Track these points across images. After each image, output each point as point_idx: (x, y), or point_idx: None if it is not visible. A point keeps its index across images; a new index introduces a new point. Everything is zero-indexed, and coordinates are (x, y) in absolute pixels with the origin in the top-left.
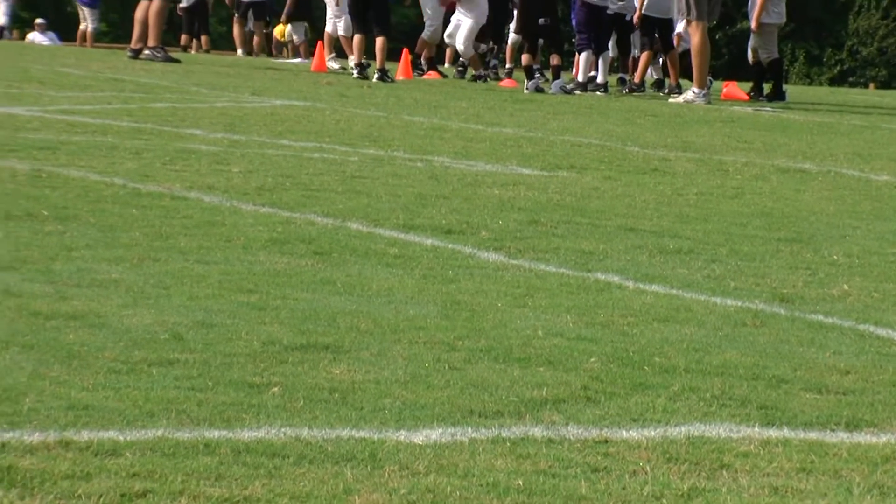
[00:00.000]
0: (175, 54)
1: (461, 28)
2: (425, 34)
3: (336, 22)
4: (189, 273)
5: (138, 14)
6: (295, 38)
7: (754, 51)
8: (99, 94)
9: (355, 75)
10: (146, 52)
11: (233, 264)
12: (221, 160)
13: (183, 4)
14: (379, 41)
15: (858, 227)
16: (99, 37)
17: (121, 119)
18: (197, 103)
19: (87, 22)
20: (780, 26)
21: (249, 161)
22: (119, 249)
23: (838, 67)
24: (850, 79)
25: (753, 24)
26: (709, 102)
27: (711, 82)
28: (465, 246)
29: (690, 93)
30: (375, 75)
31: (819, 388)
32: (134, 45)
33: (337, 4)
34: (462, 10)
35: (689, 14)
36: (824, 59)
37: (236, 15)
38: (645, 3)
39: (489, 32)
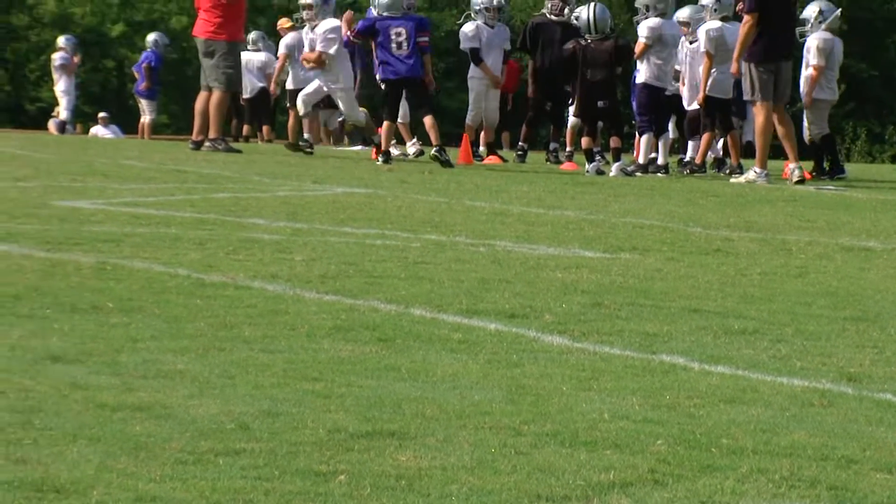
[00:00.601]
0: (237, 145)
1: (340, 103)
2: (467, 119)
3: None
4: (254, 362)
5: (198, 106)
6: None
7: (810, 129)
8: (162, 185)
9: (380, 162)
10: (207, 143)
11: (297, 353)
12: (284, 249)
13: (246, 95)
14: (426, 121)
15: None
16: (160, 128)
17: (184, 210)
18: (259, 192)
19: (146, 114)
20: (833, 103)
21: (312, 249)
22: (184, 340)
23: None
24: None
25: (807, 100)
26: (769, 182)
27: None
28: (529, 330)
29: (752, 172)
30: (433, 151)
31: (889, 468)
32: (195, 136)
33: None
34: (327, 81)
35: (752, 94)
36: (886, 137)
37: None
38: (708, 84)
39: (547, 117)
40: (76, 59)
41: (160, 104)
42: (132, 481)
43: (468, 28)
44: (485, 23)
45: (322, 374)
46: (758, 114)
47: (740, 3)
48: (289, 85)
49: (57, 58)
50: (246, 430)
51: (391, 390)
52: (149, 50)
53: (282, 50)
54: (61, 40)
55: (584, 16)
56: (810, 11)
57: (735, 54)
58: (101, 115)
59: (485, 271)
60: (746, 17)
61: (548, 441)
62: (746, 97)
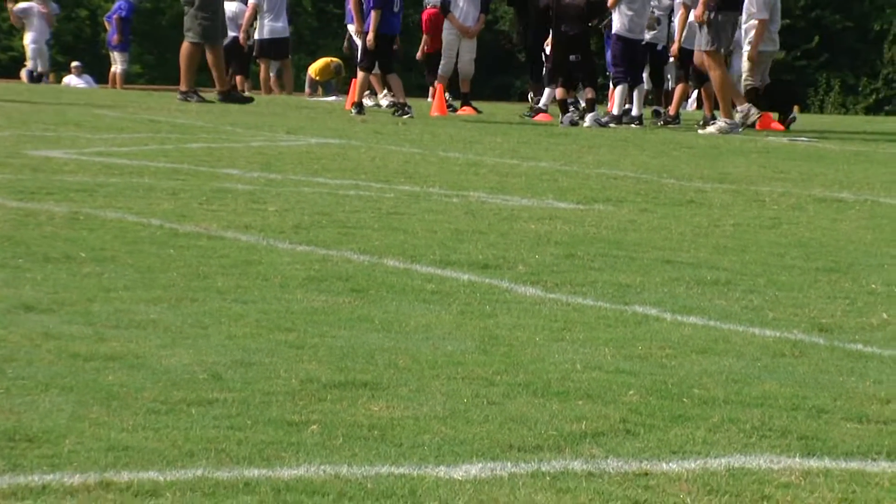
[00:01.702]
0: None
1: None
2: (440, 69)
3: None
4: (227, 312)
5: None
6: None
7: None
8: (135, 135)
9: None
10: (178, 96)
11: (270, 303)
12: (258, 199)
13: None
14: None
15: None
16: (133, 78)
17: (157, 160)
18: (233, 143)
19: (117, 63)
20: (774, 54)
21: (285, 200)
22: (157, 290)
23: (874, 96)
24: (886, 107)
25: (752, 53)
26: (739, 132)
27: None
28: (503, 281)
29: (722, 122)
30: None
31: (860, 418)
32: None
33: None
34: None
35: (712, 44)
36: (860, 89)
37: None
38: (682, 35)
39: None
40: (43, 9)
41: (133, 54)
42: (104, 431)
43: None
44: None
45: (295, 324)
46: (716, 65)
47: None
48: (258, 35)
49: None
50: (218, 380)
51: (364, 341)
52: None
53: (251, 0)
54: None
55: None
56: None
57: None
58: (74, 64)
59: (458, 222)
60: None
61: (520, 391)
62: (704, 47)
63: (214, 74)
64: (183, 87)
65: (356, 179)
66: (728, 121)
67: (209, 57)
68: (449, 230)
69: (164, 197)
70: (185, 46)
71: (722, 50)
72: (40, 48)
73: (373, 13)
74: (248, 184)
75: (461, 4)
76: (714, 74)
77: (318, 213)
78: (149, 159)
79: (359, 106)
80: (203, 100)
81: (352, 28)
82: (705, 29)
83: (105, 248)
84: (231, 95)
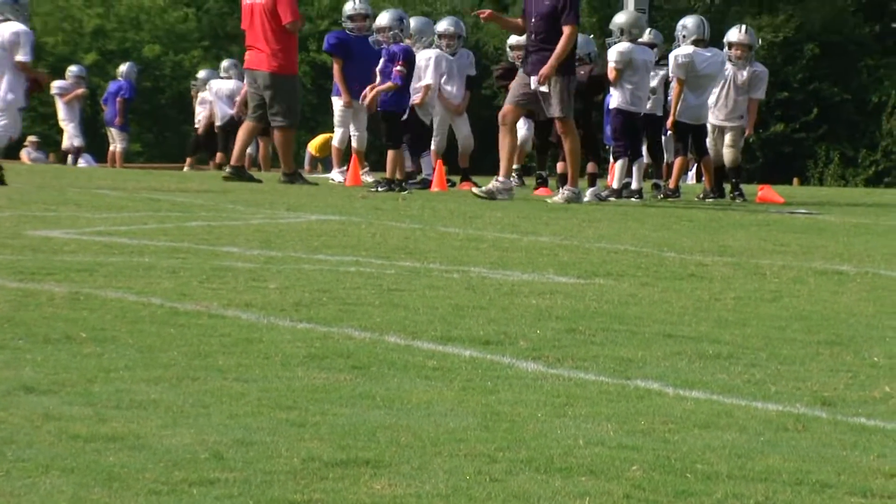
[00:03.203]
0: (211, 173)
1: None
2: (433, 145)
3: (356, 135)
4: (228, 391)
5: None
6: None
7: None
8: (135, 214)
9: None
10: (281, 178)
11: (271, 381)
12: (258, 277)
13: (218, 123)
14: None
15: None
16: (132, 157)
17: (157, 239)
18: (233, 221)
19: (116, 143)
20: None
21: (286, 277)
22: (157, 369)
23: (873, 168)
24: (886, 179)
25: (750, 129)
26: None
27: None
28: (504, 356)
29: (566, 191)
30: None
31: (864, 492)
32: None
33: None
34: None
35: (561, 111)
36: (859, 161)
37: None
38: (678, 108)
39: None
40: (80, 91)
41: (132, 132)
42: None
43: (425, 55)
44: (442, 49)
45: (296, 402)
46: (570, 131)
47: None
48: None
49: (55, 86)
50: (220, 460)
51: (366, 418)
52: (121, 80)
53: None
54: (72, 69)
55: None
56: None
57: (552, 63)
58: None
59: (459, 298)
60: (568, 30)
61: (523, 468)
62: (554, 113)
63: (281, 156)
64: (287, 170)
65: (357, 256)
66: (571, 189)
67: (251, 133)
68: (450, 306)
69: (165, 276)
70: (275, 134)
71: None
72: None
73: (390, 84)
74: (249, 261)
75: (450, 83)
76: (569, 141)
77: (318, 290)
78: (149, 238)
79: (398, 182)
80: (307, 182)
81: (337, 102)
82: (556, 96)
83: (105, 328)
84: (295, 177)
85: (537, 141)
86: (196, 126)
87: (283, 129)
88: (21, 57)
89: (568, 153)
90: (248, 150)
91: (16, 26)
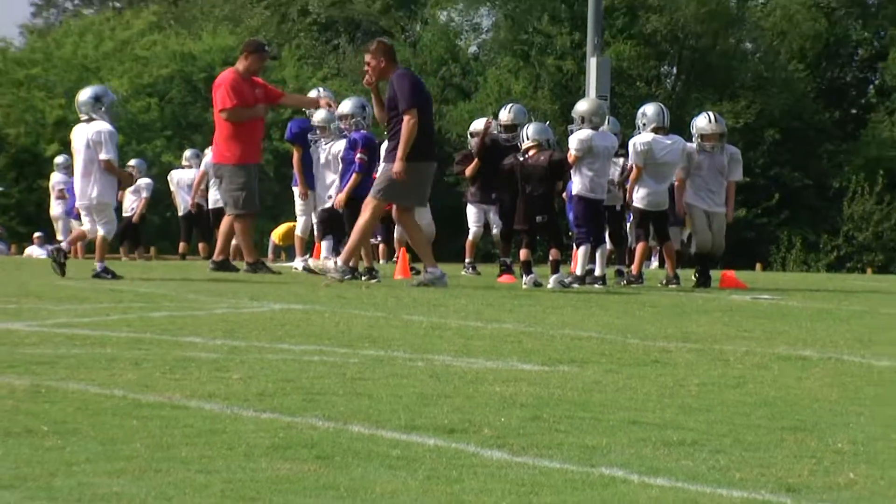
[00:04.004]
0: (174, 262)
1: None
2: (395, 233)
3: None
4: (191, 483)
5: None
6: None
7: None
8: (97, 305)
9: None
10: (245, 268)
11: (235, 472)
12: (221, 367)
13: (180, 213)
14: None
15: (862, 414)
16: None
17: (119, 330)
18: (196, 311)
19: None
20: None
21: (249, 367)
22: (120, 462)
23: (835, 253)
24: (848, 264)
25: (730, 214)
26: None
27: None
28: (469, 445)
29: (332, 263)
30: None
31: None
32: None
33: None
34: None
35: (378, 194)
36: (821, 246)
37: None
38: (639, 195)
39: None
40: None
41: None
42: None
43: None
44: None
45: (260, 493)
46: (367, 209)
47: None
48: (212, 204)
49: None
50: None
51: None
52: None
53: (202, 167)
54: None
55: (522, 132)
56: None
57: (400, 153)
58: (37, 234)
59: (423, 386)
60: (405, 118)
61: None
62: (373, 195)
63: (243, 244)
64: (249, 259)
65: (320, 345)
66: (342, 267)
67: (232, 226)
68: (414, 394)
69: (127, 367)
70: (234, 224)
71: (382, 198)
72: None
73: (355, 176)
74: (212, 351)
75: None
76: (362, 216)
77: (282, 380)
78: (111, 329)
79: (368, 270)
80: (270, 270)
81: (296, 191)
82: (383, 174)
83: (67, 421)
84: (258, 266)
85: (502, 228)
86: (128, 214)
87: (235, 217)
88: (104, 155)
89: (355, 228)
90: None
91: (99, 125)
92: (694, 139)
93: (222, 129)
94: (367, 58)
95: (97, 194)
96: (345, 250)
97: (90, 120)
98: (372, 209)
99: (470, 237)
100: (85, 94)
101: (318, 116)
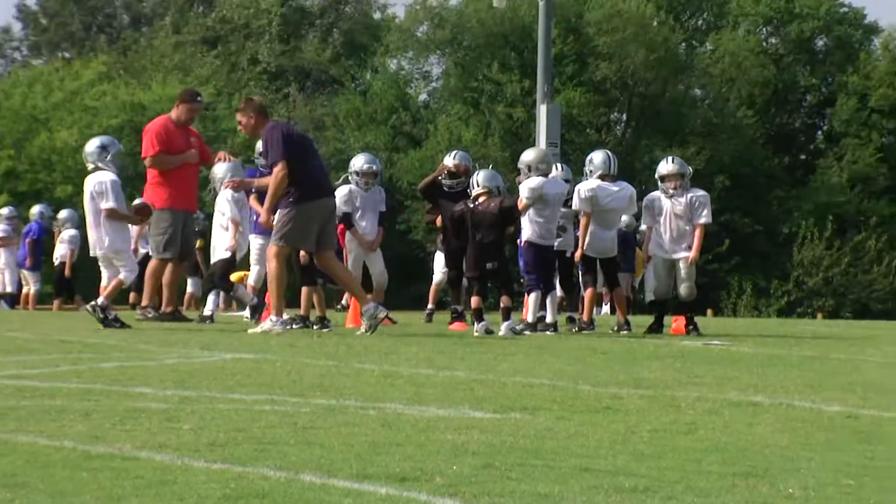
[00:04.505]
0: (125, 313)
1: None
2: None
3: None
4: None
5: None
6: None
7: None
8: (47, 356)
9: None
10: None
11: None
12: (172, 417)
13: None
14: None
15: (812, 459)
16: (45, 298)
17: (70, 381)
18: (146, 361)
19: (29, 284)
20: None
21: (200, 417)
22: None
23: (785, 298)
24: (798, 309)
25: (694, 255)
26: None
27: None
28: (421, 493)
29: (268, 322)
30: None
31: None
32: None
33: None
34: None
35: (279, 240)
36: (771, 291)
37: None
38: (586, 242)
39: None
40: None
41: (45, 273)
42: None
43: (341, 192)
44: (358, 185)
45: None
46: (272, 258)
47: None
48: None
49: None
50: None
51: None
52: (32, 222)
53: None
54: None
55: (472, 178)
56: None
57: (266, 204)
58: None
59: (375, 434)
60: (275, 169)
61: None
62: (276, 239)
63: (165, 292)
64: (144, 302)
65: (272, 394)
66: (276, 318)
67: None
68: (366, 443)
69: (77, 418)
70: (150, 264)
71: (285, 244)
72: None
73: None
74: (163, 402)
75: (363, 220)
76: (272, 265)
77: (233, 430)
78: (61, 380)
79: (320, 319)
80: (185, 319)
81: (254, 240)
82: (276, 222)
83: (17, 474)
84: (175, 315)
85: (451, 274)
86: (58, 265)
87: (159, 261)
88: (105, 205)
89: (268, 280)
90: (190, 290)
91: (102, 175)
92: (659, 186)
93: (151, 175)
94: (238, 115)
95: (109, 243)
96: (271, 305)
97: (96, 169)
98: (275, 256)
99: (434, 282)
100: (92, 145)
101: (219, 170)
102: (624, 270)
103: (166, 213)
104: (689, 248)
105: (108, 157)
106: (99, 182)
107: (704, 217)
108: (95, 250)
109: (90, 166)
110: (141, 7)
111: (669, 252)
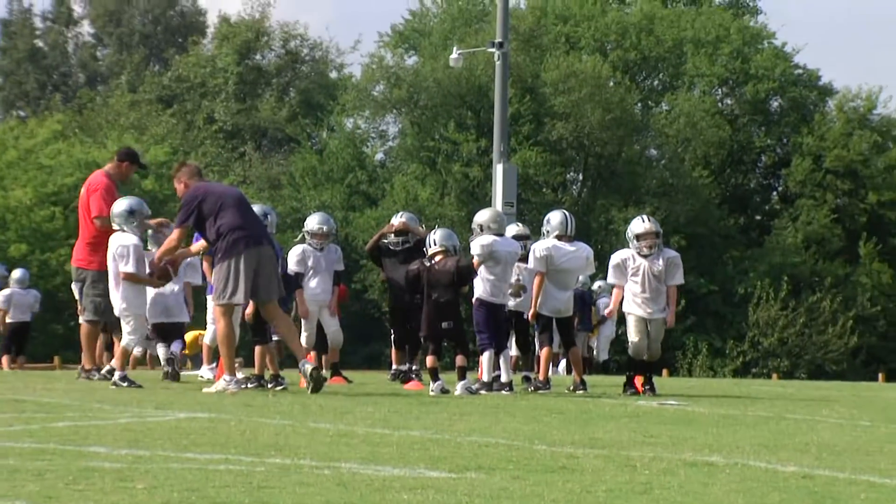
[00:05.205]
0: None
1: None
2: (303, 341)
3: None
4: None
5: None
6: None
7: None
8: None
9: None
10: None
11: None
12: (126, 477)
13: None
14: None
15: None
16: None
17: (22, 441)
18: (100, 420)
19: None
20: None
21: (154, 476)
22: None
23: (741, 359)
24: (754, 370)
25: (672, 318)
26: (239, 388)
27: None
28: None
29: (222, 381)
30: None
31: None
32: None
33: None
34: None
35: (220, 296)
36: (727, 351)
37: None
38: (540, 301)
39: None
40: None
41: None
42: None
43: (294, 252)
44: (311, 246)
45: None
46: (219, 316)
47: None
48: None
49: None
50: None
51: None
52: None
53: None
54: None
55: (428, 238)
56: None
57: (155, 259)
58: None
59: (330, 494)
60: (172, 234)
61: None
62: (215, 298)
63: (86, 351)
64: (86, 366)
65: (226, 453)
66: (229, 378)
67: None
68: (320, 502)
69: (30, 478)
70: (83, 326)
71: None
72: None
73: None
74: (116, 461)
75: (314, 279)
76: (220, 324)
77: (187, 490)
78: (13, 440)
79: (274, 377)
80: (105, 378)
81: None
82: (214, 280)
83: None
84: (91, 373)
85: (396, 335)
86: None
87: (86, 322)
88: (123, 268)
89: (217, 340)
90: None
91: (124, 238)
92: (630, 244)
93: (87, 233)
94: (174, 181)
95: (123, 306)
96: (221, 364)
97: (120, 230)
98: (222, 315)
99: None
100: (120, 206)
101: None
102: (581, 330)
103: (105, 275)
104: (663, 309)
105: (136, 224)
106: (122, 245)
107: (678, 279)
108: (117, 311)
109: (115, 227)
110: (97, 66)
111: (645, 311)
